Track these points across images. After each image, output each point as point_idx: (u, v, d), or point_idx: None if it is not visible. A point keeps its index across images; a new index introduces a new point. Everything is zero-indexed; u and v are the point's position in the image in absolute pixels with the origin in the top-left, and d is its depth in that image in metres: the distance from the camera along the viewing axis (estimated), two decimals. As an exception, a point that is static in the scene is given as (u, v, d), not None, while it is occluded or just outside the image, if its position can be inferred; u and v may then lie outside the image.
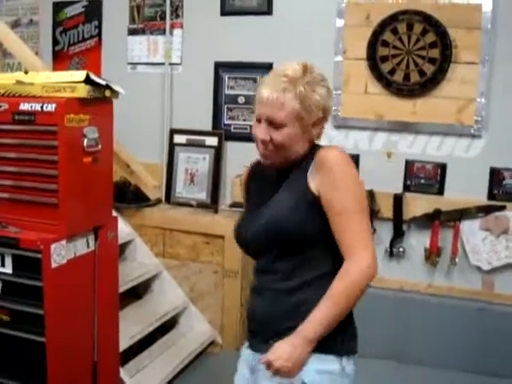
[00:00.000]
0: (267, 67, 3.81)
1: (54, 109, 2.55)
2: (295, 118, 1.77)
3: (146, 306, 3.91)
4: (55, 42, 4.70)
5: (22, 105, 2.61)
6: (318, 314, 1.72)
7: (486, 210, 3.59)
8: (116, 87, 2.78)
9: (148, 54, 4.38)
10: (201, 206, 4.18)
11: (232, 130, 4.18)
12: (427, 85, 3.62)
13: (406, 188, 3.79)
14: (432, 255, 3.71)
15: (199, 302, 4.08)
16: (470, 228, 3.66)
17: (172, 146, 4.29)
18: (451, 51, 3.56)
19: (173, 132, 4.30)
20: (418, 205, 3.75)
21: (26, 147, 2.65)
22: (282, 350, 1.71)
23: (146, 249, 4.00)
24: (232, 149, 4.20)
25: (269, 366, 1.72)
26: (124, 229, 3.78)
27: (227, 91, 4.16)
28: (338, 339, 1.79)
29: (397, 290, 3.87)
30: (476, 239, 3.66)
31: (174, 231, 4.03)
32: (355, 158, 3.86)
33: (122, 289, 3.35)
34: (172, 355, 3.75)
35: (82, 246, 2.78)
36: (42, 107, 2.57)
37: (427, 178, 3.73)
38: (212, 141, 4.18)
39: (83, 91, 2.61)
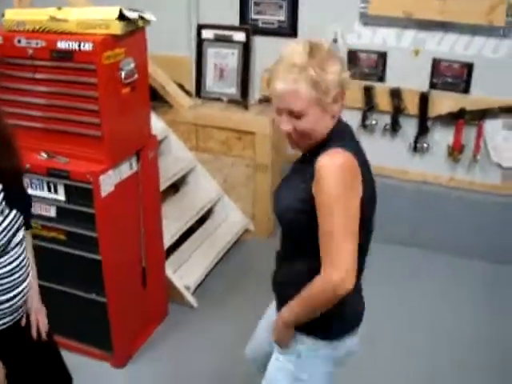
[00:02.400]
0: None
1: (91, 48, 2.62)
2: (314, 104, 1.75)
3: (183, 199, 4.16)
4: None
5: (59, 43, 2.68)
6: (293, 305, 1.88)
7: (509, 110, 3.67)
8: (148, 15, 2.83)
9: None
10: (231, 101, 4.30)
11: (259, 25, 4.18)
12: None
13: (433, 86, 3.85)
14: (455, 152, 3.87)
15: (232, 194, 4.33)
16: (492, 127, 3.77)
17: (200, 41, 4.32)
18: None
19: (201, 27, 4.31)
20: (444, 103, 3.83)
21: (66, 83, 2.75)
22: (276, 325, 1.98)
23: (180, 144, 4.17)
24: (260, 44, 4.22)
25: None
26: (158, 125, 3.93)
27: (254, -15, 4.13)
28: (328, 323, 1.92)
29: (419, 182, 4.07)
30: (498, 138, 3.79)
31: (206, 127, 4.19)
32: (383, 56, 3.91)
33: (162, 186, 3.58)
34: (210, 245, 4.05)
35: (126, 169, 2.97)
36: (79, 46, 2.64)
37: (454, 76, 3.77)
38: (240, 36, 4.20)
39: (118, 28, 2.67)
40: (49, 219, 2.95)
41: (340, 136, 1.83)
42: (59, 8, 2.79)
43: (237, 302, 3.67)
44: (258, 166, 4.12)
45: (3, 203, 1.77)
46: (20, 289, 1.90)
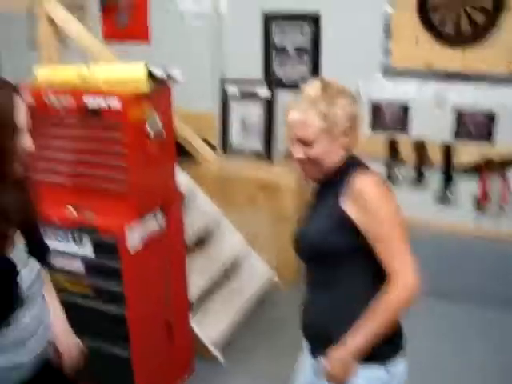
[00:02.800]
0: (315, 17, 3.84)
1: (118, 106, 2.69)
2: (323, 134, 1.87)
3: (209, 253, 4.14)
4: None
5: (87, 101, 2.75)
6: (362, 330, 1.85)
7: (535, 160, 3.66)
8: (174, 74, 2.89)
9: (195, 3, 4.39)
10: (256, 155, 4.34)
11: (282, 79, 4.26)
12: (478, 34, 3.60)
13: (456, 136, 3.86)
14: (480, 201, 3.85)
15: (257, 246, 4.33)
16: (519, 177, 3.75)
17: (225, 96, 4.40)
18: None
19: (224, 82, 4.39)
20: (468, 153, 3.83)
21: (94, 139, 2.82)
22: (334, 364, 1.91)
23: (205, 198, 4.19)
24: (283, 97, 4.27)
25: (328, 377, 1.95)
26: (184, 180, 3.97)
27: (277, 41, 4.21)
28: (379, 347, 1.89)
29: (446, 233, 4.03)
30: (525, 188, 3.76)
31: (231, 180, 4.22)
32: (405, 107, 3.94)
33: (189, 241, 3.59)
34: (235, 299, 4.03)
35: (153, 225, 2.99)
36: (107, 104, 2.71)
37: (477, 126, 3.78)
38: (263, 91, 4.26)
39: (145, 86, 2.74)
40: (75, 274, 2.96)
41: (360, 164, 1.94)
42: (87, 66, 2.87)
43: (264, 357, 3.63)
44: (282, 218, 4.13)
45: (25, 254, 1.79)
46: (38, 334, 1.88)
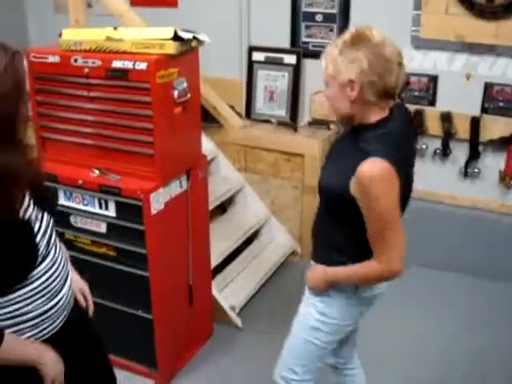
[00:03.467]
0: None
1: (145, 67, 2.68)
2: (331, 79, 1.99)
3: (231, 220, 4.18)
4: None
5: (114, 62, 2.75)
6: (340, 273, 2.17)
7: None
8: (202, 36, 2.88)
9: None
10: (280, 123, 4.32)
11: (310, 48, 4.21)
12: (511, 6, 3.52)
13: (484, 110, 3.80)
14: (506, 177, 3.80)
15: (279, 215, 4.34)
16: (546, 152, 3.70)
17: (251, 63, 4.37)
18: (538, -31, 3.44)
19: (251, 49, 4.36)
20: (495, 127, 3.78)
21: (120, 101, 2.82)
22: (313, 274, 2.27)
23: (228, 164, 4.20)
24: (310, 66, 4.24)
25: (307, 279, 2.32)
26: (208, 146, 3.97)
27: (305, 8, 4.16)
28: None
29: (469, 208, 4.01)
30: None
31: (255, 148, 4.22)
32: (434, 79, 3.88)
33: (211, 206, 3.60)
34: (256, 267, 4.06)
35: (176, 188, 3.01)
36: (133, 65, 2.70)
37: (506, 101, 3.72)
38: (290, 58, 4.23)
39: (172, 48, 2.72)
40: (99, 235, 3.00)
41: (381, 142, 1.99)
42: (115, 28, 2.86)
43: (282, 322, 3.62)
44: (306, 188, 4.12)
45: (35, 208, 1.80)
46: (63, 292, 1.89)
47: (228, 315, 3.60)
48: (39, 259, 1.76)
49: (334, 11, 4.06)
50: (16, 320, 1.76)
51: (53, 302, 1.84)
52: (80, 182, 2.91)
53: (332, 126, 4.18)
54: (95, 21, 3.36)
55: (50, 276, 1.82)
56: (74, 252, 2.86)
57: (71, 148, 3.02)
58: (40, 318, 1.81)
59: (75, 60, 2.84)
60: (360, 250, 2.10)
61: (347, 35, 1.98)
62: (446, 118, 3.87)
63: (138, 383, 3.20)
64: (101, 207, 2.95)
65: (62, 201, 2.99)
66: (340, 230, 2.15)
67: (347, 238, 2.15)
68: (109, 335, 3.20)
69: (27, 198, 1.77)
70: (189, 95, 2.90)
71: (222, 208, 4.25)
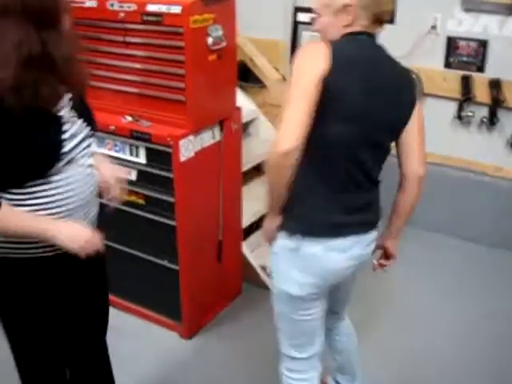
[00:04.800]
0: None
1: (179, 11, 2.64)
2: (323, 7, 1.97)
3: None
4: None
5: (149, 6, 2.72)
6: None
7: None
8: (239, -16, 2.82)
9: None
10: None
11: (357, 10, 4.08)
12: None
13: (537, 77, 3.64)
14: (557, 147, 3.64)
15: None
16: None
17: (296, 24, 4.29)
18: None
19: (296, 10, 4.28)
20: (548, 95, 3.62)
21: (154, 46, 2.79)
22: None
23: (268, 126, 4.13)
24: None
25: None
26: (248, 106, 3.92)
27: (353, -32, 4.03)
28: (287, 220, 2.04)
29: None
30: None
31: (296, 110, 4.13)
32: (483, 44, 3.73)
33: (245, 167, 3.55)
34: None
35: (208, 138, 2.97)
36: (168, 9, 2.67)
37: (559, 67, 3.55)
38: (336, 20, 4.12)
39: (207, -7, 2.68)
40: (129, 182, 2.98)
41: (343, 40, 1.94)
42: (152, -29, 2.83)
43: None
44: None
45: (71, 112, 1.84)
46: (88, 208, 1.92)
47: (258, 275, 3.56)
48: (64, 161, 1.76)
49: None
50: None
51: (71, 215, 1.84)
52: (112, 127, 2.91)
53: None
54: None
55: (74, 182, 1.82)
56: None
57: (105, 94, 3.00)
58: None
59: (111, 4, 2.82)
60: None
61: None
62: (495, 84, 3.71)
63: (160, 335, 3.20)
64: (131, 154, 2.93)
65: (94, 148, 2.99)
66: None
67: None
68: (134, 284, 3.25)
69: (66, 99, 1.81)
70: (224, 43, 2.85)
71: (260, 170, 4.19)
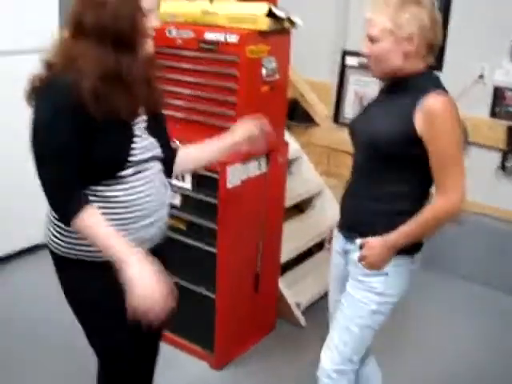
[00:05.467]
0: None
1: (236, 40, 2.71)
2: (387, 33, 2.00)
3: (307, 221, 4.11)
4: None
5: (206, 34, 2.79)
6: (407, 230, 2.05)
7: None
8: (295, 19, 2.88)
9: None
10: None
11: (405, 56, 4.13)
12: None
13: None
14: None
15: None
16: None
17: (343, 67, 4.35)
18: None
19: (345, 53, 4.33)
20: None
21: (208, 74, 2.85)
22: (372, 251, 2.12)
23: (311, 166, 4.14)
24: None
25: (362, 258, 2.15)
26: (292, 145, 3.94)
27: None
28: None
29: None
30: None
31: (339, 152, 4.16)
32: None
33: (287, 204, 3.56)
34: (327, 270, 3.94)
35: (254, 169, 2.99)
36: (225, 38, 2.74)
37: None
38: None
39: (264, 24, 2.74)
40: (172, 207, 2.99)
41: (435, 81, 2.07)
42: (211, 1, 2.91)
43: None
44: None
45: (145, 130, 1.97)
46: (152, 219, 2.00)
47: (292, 311, 3.52)
48: (129, 165, 1.89)
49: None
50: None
51: (144, 222, 1.96)
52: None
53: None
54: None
55: (140, 192, 1.93)
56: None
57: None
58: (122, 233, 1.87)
59: (169, 31, 2.89)
60: (420, 193, 2.12)
61: None
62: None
63: (190, 363, 3.17)
64: (178, 179, 2.96)
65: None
66: (397, 178, 2.10)
67: (406, 184, 2.10)
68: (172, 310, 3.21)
69: (142, 118, 1.95)
70: (277, 76, 2.90)
71: (300, 209, 4.20)
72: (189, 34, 2.84)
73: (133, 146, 1.90)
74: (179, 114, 2.98)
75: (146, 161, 1.95)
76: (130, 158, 1.89)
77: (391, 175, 2.10)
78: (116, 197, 1.89)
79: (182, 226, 3.02)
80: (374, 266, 2.14)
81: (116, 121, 1.83)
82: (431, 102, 1.96)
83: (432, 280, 4.05)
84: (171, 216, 2.98)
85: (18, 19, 3.77)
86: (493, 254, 4.02)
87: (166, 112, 2.97)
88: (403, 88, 2.08)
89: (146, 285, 1.74)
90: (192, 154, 2.29)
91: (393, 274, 2.15)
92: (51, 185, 1.81)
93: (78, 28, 1.81)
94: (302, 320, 3.54)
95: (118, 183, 1.88)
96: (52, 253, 1.99)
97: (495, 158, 3.91)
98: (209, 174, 2.83)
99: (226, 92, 2.81)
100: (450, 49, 3.98)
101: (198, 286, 3.06)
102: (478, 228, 4.01)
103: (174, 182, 2.96)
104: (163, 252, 2.17)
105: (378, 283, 2.15)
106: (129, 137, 1.90)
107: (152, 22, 1.87)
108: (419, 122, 1.98)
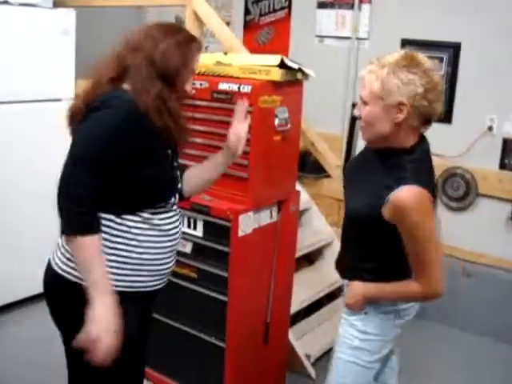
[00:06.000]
0: (455, 46, 3.79)
1: (249, 90, 2.75)
2: (375, 98, 1.94)
3: (317, 272, 4.10)
4: (247, 12, 4.93)
5: (220, 84, 2.84)
6: (385, 290, 2.15)
7: None
8: (307, 70, 2.93)
9: (336, 28, 4.48)
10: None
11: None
12: None
13: None
14: None
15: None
16: None
17: (353, 119, 4.38)
18: None
19: (355, 105, 4.37)
20: None
21: (222, 123, 2.87)
22: (350, 293, 2.25)
23: (321, 217, 4.15)
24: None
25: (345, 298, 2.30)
26: (302, 196, 3.95)
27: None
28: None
29: None
30: None
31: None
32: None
33: (297, 254, 3.55)
34: (337, 322, 3.91)
35: (266, 217, 2.99)
36: (238, 88, 2.78)
37: None
38: (393, 118, 4.22)
39: (277, 75, 2.78)
40: (183, 255, 3.00)
41: (417, 168, 1.98)
42: (225, 53, 2.97)
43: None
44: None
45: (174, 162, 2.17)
46: (174, 253, 2.17)
47: (302, 363, 3.48)
48: (172, 195, 2.10)
49: (442, 73, 4.03)
50: (125, 249, 1.97)
51: (167, 259, 2.12)
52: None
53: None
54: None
55: (170, 230, 2.09)
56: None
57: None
58: (151, 266, 2.04)
59: (184, 82, 2.94)
60: (392, 270, 2.16)
61: (397, 56, 1.95)
62: None
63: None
64: (189, 226, 2.97)
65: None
66: (372, 252, 2.16)
67: (378, 259, 2.16)
68: (177, 360, 3.18)
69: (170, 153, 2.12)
70: (289, 126, 2.93)
71: (310, 260, 4.19)
72: (203, 84, 2.89)
73: (174, 174, 2.12)
74: (192, 163, 3.00)
75: (175, 194, 2.15)
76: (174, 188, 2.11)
77: (373, 244, 2.15)
78: (160, 225, 2.03)
79: (193, 274, 3.01)
80: (351, 307, 2.25)
81: (164, 147, 2.04)
82: (400, 197, 1.92)
83: (442, 333, 4.01)
84: (182, 264, 3.01)
85: (38, 71, 3.90)
86: (504, 306, 3.98)
87: (181, 160, 3.06)
88: (386, 162, 2.04)
89: (101, 327, 1.81)
90: (195, 173, 2.38)
91: (372, 314, 2.21)
92: (75, 187, 1.83)
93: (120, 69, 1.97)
94: (312, 371, 3.49)
95: (163, 212, 2.04)
96: (50, 273, 2.03)
97: (505, 209, 3.91)
98: (220, 222, 2.83)
99: (238, 141, 2.83)
100: (458, 101, 4.03)
101: (208, 335, 3.02)
102: (489, 280, 3.98)
103: (185, 229, 2.98)
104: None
105: (358, 321, 2.24)
106: (170, 166, 2.10)
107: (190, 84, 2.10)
108: (388, 214, 1.97)
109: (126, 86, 1.97)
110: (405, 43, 4.14)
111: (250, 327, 3.09)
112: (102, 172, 1.85)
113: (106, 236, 1.94)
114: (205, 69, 2.94)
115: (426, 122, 2.00)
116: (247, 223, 2.85)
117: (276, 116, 2.86)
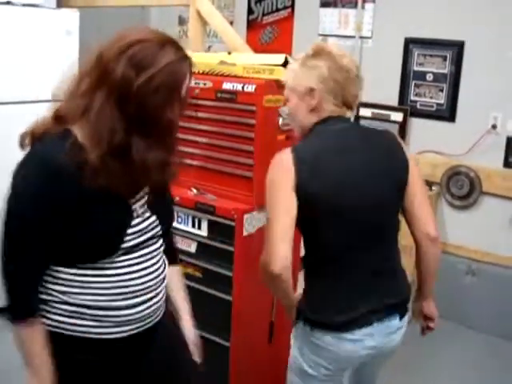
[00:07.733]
0: (458, 45, 3.79)
1: (253, 89, 2.74)
2: (291, 91, 2.04)
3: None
4: (250, 11, 4.93)
5: (224, 84, 2.84)
6: None
7: None
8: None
9: (339, 27, 4.48)
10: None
11: (418, 107, 4.19)
12: None
13: None
14: None
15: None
16: None
17: (357, 118, 4.39)
18: None
19: (359, 105, 4.39)
20: None
21: (226, 123, 2.88)
22: None
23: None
24: (416, 125, 4.21)
25: None
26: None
27: (416, 67, 4.17)
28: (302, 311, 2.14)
29: None
30: None
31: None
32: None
33: (301, 253, 3.54)
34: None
35: (270, 217, 2.99)
36: (242, 87, 2.78)
37: None
38: (397, 116, 4.23)
39: (281, 74, 2.77)
40: (188, 254, 3.00)
41: (311, 134, 2.05)
42: (229, 53, 2.97)
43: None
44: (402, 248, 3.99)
45: (145, 206, 1.76)
46: (142, 299, 1.77)
47: (307, 362, 3.47)
48: (120, 251, 1.68)
49: (446, 71, 4.05)
50: (80, 298, 1.68)
51: (122, 303, 1.72)
52: (177, 198, 2.95)
53: (434, 187, 4.09)
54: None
55: (127, 274, 1.71)
56: (162, 266, 2.86)
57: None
58: (103, 312, 1.70)
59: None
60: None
61: (309, 49, 2.02)
62: None
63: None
64: (194, 226, 2.97)
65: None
66: None
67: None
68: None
69: (143, 193, 1.75)
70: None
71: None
72: (206, 83, 2.89)
73: (128, 231, 1.69)
74: (196, 163, 3.01)
75: (142, 243, 1.75)
76: (123, 245, 1.68)
77: None
78: (97, 282, 1.68)
79: (198, 274, 3.01)
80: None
81: (112, 197, 1.64)
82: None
83: (446, 330, 4.00)
84: (186, 263, 3.01)
85: (41, 72, 3.90)
86: (509, 304, 3.97)
87: (185, 160, 3.05)
88: None
89: None
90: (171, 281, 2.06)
91: (294, 335, 2.23)
92: (13, 274, 1.63)
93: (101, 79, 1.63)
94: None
95: (102, 268, 1.67)
96: None
97: (509, 207, 3.91)
98: (225, 221, 2.83)
99: (242, 141, 2.84)
100: (462, 99, 4.03)
101: (213, 335, 3.01)
102: (493, 278, 3.98)
103: (190, 229, 2.99)
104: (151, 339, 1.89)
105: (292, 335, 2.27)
106: (124, 218, 1.69)
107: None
108: None
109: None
110: (408, 42, 4.15)
111: (255, 326, 3.09)
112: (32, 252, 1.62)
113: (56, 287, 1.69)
114: (208, 68, 2.94)
115: (345, 106, 2.02)
116: (252, 223, 2.85)
117: (280, 115, 2.85)
